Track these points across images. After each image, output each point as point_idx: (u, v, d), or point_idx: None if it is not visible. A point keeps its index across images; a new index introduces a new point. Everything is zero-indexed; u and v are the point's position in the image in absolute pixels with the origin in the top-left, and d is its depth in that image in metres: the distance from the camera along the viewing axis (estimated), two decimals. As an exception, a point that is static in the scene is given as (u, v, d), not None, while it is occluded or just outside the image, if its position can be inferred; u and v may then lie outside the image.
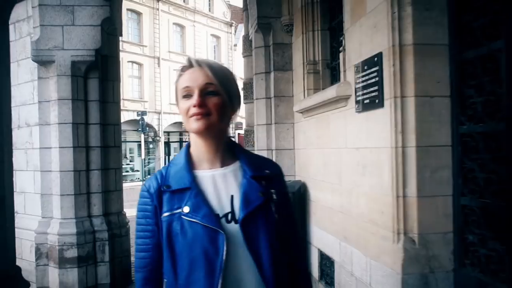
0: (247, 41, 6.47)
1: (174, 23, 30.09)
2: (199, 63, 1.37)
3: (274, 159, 5.68)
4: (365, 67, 3.30)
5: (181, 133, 31.16)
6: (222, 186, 1.38)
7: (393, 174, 2.93)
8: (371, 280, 3.32)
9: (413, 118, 2.85)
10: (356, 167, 3.60)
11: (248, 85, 6.48)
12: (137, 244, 1.44)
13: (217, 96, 1.34)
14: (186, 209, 1.32)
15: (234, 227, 1.32)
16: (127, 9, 25.81)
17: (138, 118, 23.59)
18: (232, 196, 1.36)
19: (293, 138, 5.63)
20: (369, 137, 3.32)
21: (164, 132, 29.40)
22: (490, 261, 2.58)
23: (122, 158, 6.16)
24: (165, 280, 1.37)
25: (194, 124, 1.32)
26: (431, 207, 2.88)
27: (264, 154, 5.80)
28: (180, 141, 31.57)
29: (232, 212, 1.34)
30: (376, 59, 3.10)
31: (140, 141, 25.91)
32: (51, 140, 5.18)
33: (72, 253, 5.12)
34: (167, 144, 30.60)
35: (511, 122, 2.39)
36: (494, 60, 2.51)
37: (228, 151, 1.46)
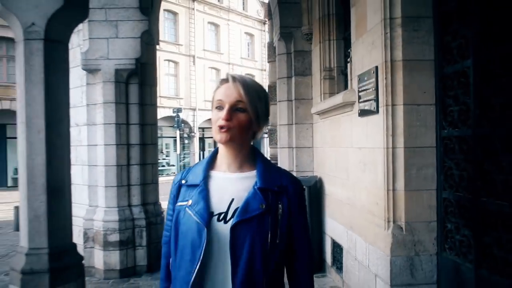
0: (271, 47, 7.02)
1: (209, 22, 30.92)
2: (235, 80, 1.47)
3: (294, 156, 6.23)
4: (365, 78, 3.79)
5: (215, 129, 31.89)
6: (228, 188, 1.50)
7: (385, 170, 3.43)
8: (369, 262, 3.83)
9: (401, 123, 3.34)
10: (359, 164, 4.11)
11: (273, 88, 7.03)
12: (165, 224, 1.68)
13: (244, 113, 1.45)
14: (189, 202, 1.49)
15: (222, 227, 1.43)
16: (164, 10, 26.75)
17: (174, 114, 24.48)
18: (232, 199, 1.47)
19: (311, 137, 6.15)
20: (368, 139, 3.82)
21: (199, 128, 30.28)
22: (462, 245, 3.06)
23: (158, 154, 6.82)
24: (170, 258, 1.59)
25: (218, 136, 1.46)
26: (417, 200, 3.36)
27: (285, 151, 6.35)
28: (214, 137, 32.36)
29: (226, 213, 1.45)
30: (373, 71, 3.60)
31: (175, 137, 26.85)
32: (97, 138, 5.88)
33: (115, 237, 5.82)
34: (202, 139, 31.48)
35: (476, 129, 2.87)
36: (465, 76, 2.98)
37: (249, 159, 1.56)
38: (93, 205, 6.04)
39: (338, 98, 4.44)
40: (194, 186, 1.52)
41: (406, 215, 3.36)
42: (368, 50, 3.75)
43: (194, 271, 1.41)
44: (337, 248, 5.08)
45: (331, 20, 5.48)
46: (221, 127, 1.44)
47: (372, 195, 3.75)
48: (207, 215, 1.43)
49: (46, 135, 3.40)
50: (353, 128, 4.28)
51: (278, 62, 6.43)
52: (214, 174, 1.54)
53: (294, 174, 6.15)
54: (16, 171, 23.63)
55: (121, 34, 5.69)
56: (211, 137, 33.42)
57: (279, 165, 6.47)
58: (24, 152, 3.39)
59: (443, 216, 3.31)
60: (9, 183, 23.42)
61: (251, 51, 34.81)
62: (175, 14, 28.59)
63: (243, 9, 33.94)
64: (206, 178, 1.52)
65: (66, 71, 3.57)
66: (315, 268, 5.55)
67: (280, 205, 1.48)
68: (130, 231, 5.92)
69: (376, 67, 3.54)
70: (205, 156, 1.71)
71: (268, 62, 7.26)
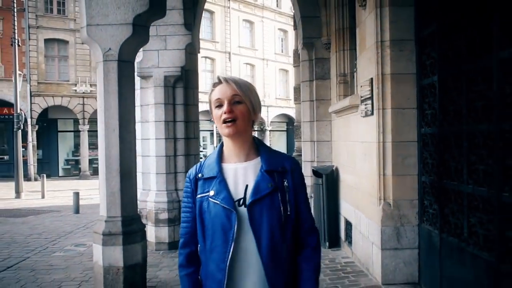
0: (296, 54, 8.01)
1: (243, 20, 32.02)
2: (227, 80, 1.63)
3: (315, 149, 7.22)
4: (365, 86, 4.74)
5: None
6: (241, 177, 1.67)
7: (377, 160, 4.39)
8: (369, 234, 4.80)
9: (390, 123, 4.29)
10: (362, 155, 5.07)
11: (297, 89, 8.02)
12: (182, 217, 1.79)
13: (242, 104, 1.62)
14: (211, 192, 1.64)
15: (243, 210, 1.61)
16: (201, 9, 27.96)
17: (211, 109, 25.67)
18: (247, 186, 1.64)
19: (330, 132, 7.11)
20: (367, 135, 4.78)
21: (234, 122, 31.36)
22: (433, 216, 4.00)
23: (199, 146, 7.93)
24: (198, 245, 1.73)
25: (225, 130, 1.61)
26: (402, 182, 4.32)
27: (308, 144, 7.35)
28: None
29: (244, 198, 1.63)
30: (369, 82, 4.55)
31: (212, 130, 28.11)
32: (149, 133, 7.01)
33: (164, 216, 6.95)
34: (237, 133, 32.50)
35: (440, 128, 3.80)
36: (434, 87, 3.91)
37: (253, 148, 1.72)
38: (146, 189, 7.18)
39: (346, 101, 5.41)
40: (211, 178, 1.67)
41: (393, 194, 4.32)
42: (367, 65, 4.70)
43: (230, 250, 1.59)
44: (348, 226, 6.05)
45: (345, 33, 6.41)
46: (226, 121, 1.60)
47: (370, 179, 4.71)
48: (232, 201, 1.61)
49: (119, 132, 4.51)
50: (358, 126, 5.23)
51: (301, 68, 7.42)
52: (226, 166, 1.70)
53: (315, 164, 7.15)
54: (66, 162, 25.51)
55: (169, 47, 6.81)
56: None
57: (302, 156, 7.51)
58: (103, 145, 4.53)
59: (422, 195, 4.25)
60: (60, 173, 24.96)
61: (284, 46, 35.62)
62: (211, 12, 29.80)
63: (277, 6, 34.81)
64: (221, 170, 1.68)
65: (132, 83, 4.69)
66: (332, 243, 6.55)
67: (285, 182, 1.67)
68: (176, 211, 7.01)
69: (371, 79, 4.49)
70: (211, 152, 1.84)
71: (294, 67, 8.24)
